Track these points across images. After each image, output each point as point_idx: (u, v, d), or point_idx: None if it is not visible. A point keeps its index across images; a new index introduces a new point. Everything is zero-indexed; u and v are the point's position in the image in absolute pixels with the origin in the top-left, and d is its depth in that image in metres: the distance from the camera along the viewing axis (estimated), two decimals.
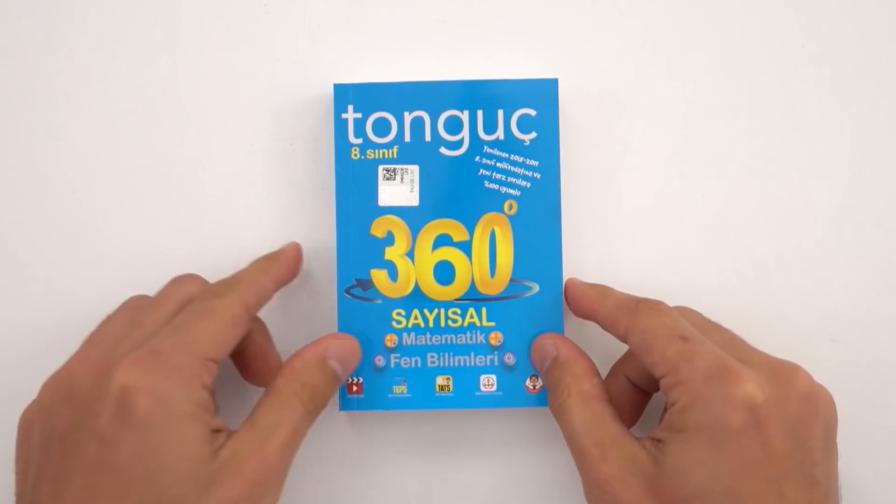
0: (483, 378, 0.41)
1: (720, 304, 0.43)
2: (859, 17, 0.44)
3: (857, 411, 0.43)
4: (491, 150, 0.41)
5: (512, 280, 0.41)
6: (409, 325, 0.41)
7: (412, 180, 0.41)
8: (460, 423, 0.43)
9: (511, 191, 0.41)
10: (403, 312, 0.41)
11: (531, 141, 0.41)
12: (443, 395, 0.41)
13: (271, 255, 0.40)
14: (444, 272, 0.41)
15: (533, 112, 0.41)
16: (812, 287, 0.43)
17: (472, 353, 0.41)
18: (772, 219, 0.43)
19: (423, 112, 0.41)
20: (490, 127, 0.41)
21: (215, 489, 0.32)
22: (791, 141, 0.44)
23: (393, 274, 0.41)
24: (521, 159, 0.41)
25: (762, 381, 0.33)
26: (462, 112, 0.41)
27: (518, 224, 0.41)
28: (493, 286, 0.41)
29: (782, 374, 0.34)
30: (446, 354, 0.41)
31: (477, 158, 0.41)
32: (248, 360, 0.40)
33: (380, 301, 0.41)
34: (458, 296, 0.41)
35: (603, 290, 0.40)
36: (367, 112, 0.41)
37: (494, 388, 0.40)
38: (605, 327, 0.39)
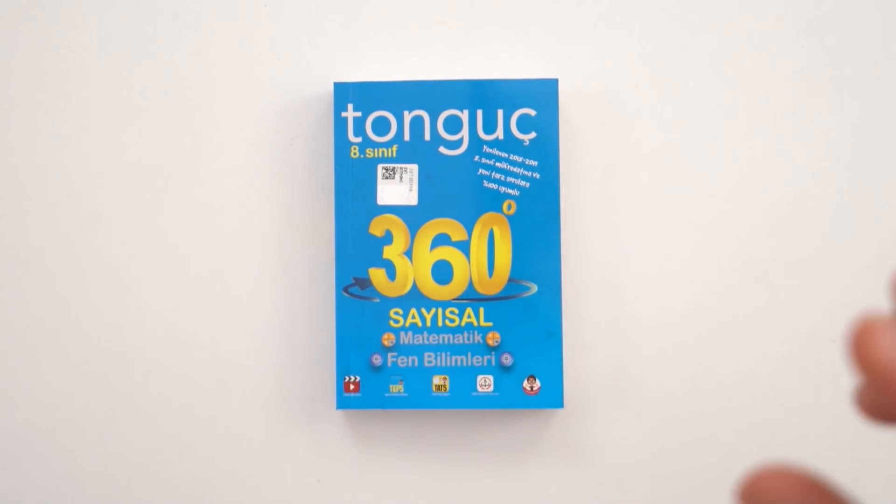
0: (480, 378, 0.41)
1: (720, 304, 0.43)
2: (859, 17, 0.43)
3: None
4: (490, 150, 0.41)
5: (510, 280, 0.41)
6: (407, 325, 0.41)
7: (411, 179, 0.41)
8: (457, 422, 0.43)
9: (510, 191, 0.41)
10: (401, 311, 0.41)
11: (531, 141, 0.41)
12: (439, 394, 0.41)
13: None
14: (442, 271, 0.41)
15: (533, 112, 0.41)
16: (812, 287, 0.43)
17: (469, 353, 0.41)
18: (772, 219, 0.43)
19: (423, 111, 0.41)
20: (490, 127, 0.41)
21: None
22: (791, 141, 0.43)
23: (391, 273, 0.41)
24: (520, 159, 0.41)
25: None
26: (462, 111, 0.41)
27: (517, 224, 0.41)
28: (491, 286, 0.41)
29: None
30: (443, 354, 0.41)
31: (476, 158, 0.41)
32: None
33: (378, 300, 0.41)
34: (455, 295, 0.41)
35: None
36: (367, 111, 0.41)
37: (491, 388, 0.41)
38: None
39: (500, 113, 0.41)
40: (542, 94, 0.41)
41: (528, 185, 0.41)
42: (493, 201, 0.41)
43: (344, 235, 0.41)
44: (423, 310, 0.41)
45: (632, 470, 0.43)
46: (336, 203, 0.41)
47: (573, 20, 0.43)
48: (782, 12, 0.43)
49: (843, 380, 0.43)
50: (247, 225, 0.43)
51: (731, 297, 0.43)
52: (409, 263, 0.41)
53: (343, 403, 0.40)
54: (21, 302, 0.43)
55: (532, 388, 0.40)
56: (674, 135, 0.43)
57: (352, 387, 0.40)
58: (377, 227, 0.41)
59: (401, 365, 0.41)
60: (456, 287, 0.41)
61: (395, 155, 0.41)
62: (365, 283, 0.41)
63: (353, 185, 0.41)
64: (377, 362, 0.41)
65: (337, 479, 0.43)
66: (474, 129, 0.41)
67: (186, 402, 0.43)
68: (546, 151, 0.41)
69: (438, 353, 0.41)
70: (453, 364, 0.41)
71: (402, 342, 0.41)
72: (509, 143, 0.41)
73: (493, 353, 0.41)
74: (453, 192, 0.41)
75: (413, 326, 0.41)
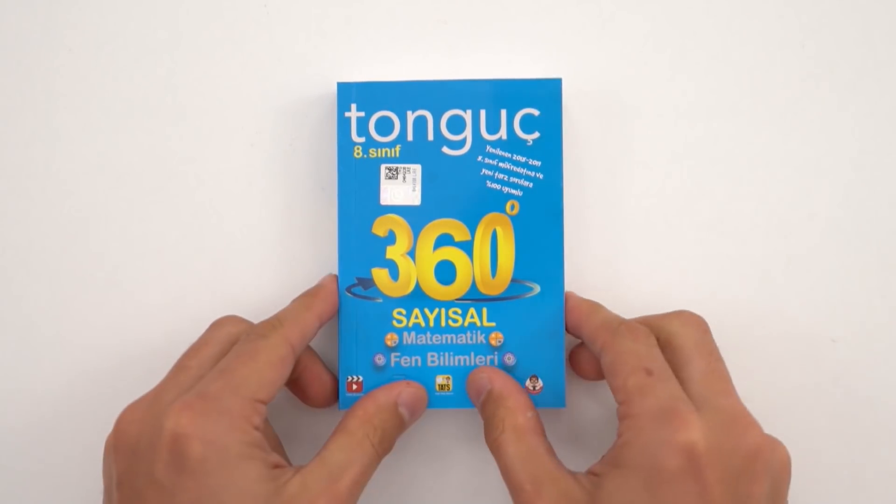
0: None
1: (720, 303, 0.43)
2: (859, 17, 0.44)
3: (857, 411, 0.43)
4: (493, 150, 0.41)
5: (513, 280, 0.41)
6: (410, 325, 0.41)
7: (414, 179, 0.41)
8: (460, 422, 0.43)
9: (513, 191, 0.41)
10: (404, 311, 0.41)
11: (534, 141, 0.41)
12: (443, 394, 0.41)
13: (311, 291, 0.40)
14: (446, 272, 0.41)
15: (536, 112, 0.41)
16: (812, 287, 0.43)
17: (473, 353, 0.41)
18: (772, 218, 0.43)
19: (426, 111, 0.41)
20: (493, 126, 0.41)
21: None
22: (792, 141, 0.44)
23: (394, 273, 0.41)
24: (523, 159, 0.41)
25: (710, 429, 0.33)
26: (465, 111, 0.41)
27: (520, 224, 0.41)
28: (494, 286, 0.41)
29: (737, 426, 0.33)
30: (446, 354, 0.41)
31: (479, 158, 0.41)
32: (303, 386, 0.40)
33: (380, 300, 0.41)
34: (458, 296, 0.41)
35: (594, 307, 0.40)
36: (370, 111, 0.41)
37: None
38: (587, 343, 0.39)
39: (504, 113, 0.41)
40: (546, 94, 0.41)
41: (531, 185, 0.41)
42: (496, 201, 0.41)
43: (347, 235, 0.41)
44: (427, 310, 0.41)
45: None
46: (339, 203, 0.41)
47: (577, 20, 0.43)
48: (783, 12, 0.44)
49: (844, 380, 0.43)
50: (248, 225, 0.43)
51: (731, 297, 0.43)
52: (413, 263, 0.41)
53: (346, 403, 0.40)
54: (21, 302, 0.43)
55: (535, 387, 0.40)
56: (676, 135, 0.43)
57: (354, 387, 0.40)
58: (380, 227, 0.41)
59: (404, 365, 0.41)
60: (459, 287, 0.41)
61: (398, 155, 0.41)
62: (368, 283, 0.41)
63: (356, 186, 0.41)
64: (380, 362, 0.41)
65: None
66: (477, 129, 0.41)
67: None
68: (549, 151, 0.41)
69: (441, 353, 0.41)
70: (456, 364, 0.41)
71: (405, 342, 0.41)
72: (512, 144, 0.41)
73: (496, 353, 0.41)
74: (456, 192, 0.41)
75: (416, 326, 0.41)
